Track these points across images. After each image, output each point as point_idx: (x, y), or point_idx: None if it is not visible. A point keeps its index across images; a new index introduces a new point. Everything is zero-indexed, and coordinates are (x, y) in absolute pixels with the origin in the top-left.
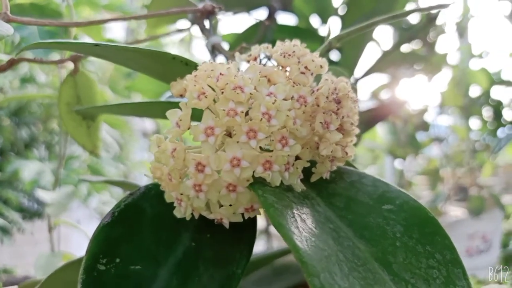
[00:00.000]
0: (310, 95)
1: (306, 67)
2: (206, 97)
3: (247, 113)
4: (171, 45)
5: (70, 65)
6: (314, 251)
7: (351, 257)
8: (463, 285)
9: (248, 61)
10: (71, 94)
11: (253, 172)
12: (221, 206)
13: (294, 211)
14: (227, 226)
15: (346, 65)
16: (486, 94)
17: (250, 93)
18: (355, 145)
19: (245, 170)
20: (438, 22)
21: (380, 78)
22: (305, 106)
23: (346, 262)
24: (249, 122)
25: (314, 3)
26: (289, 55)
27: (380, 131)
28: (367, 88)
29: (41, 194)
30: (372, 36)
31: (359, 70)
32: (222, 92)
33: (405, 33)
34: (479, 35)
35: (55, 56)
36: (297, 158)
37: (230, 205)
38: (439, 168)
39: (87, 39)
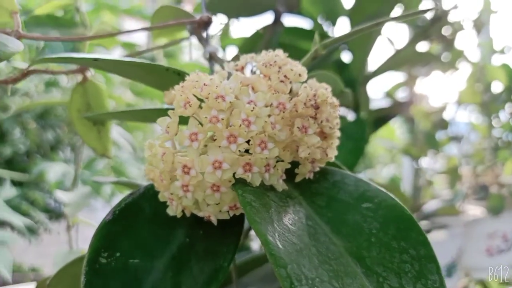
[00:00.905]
0: (288, 102)
1: (285, 76)
2: (190, 106)
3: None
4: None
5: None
6: (284, 245)
7: (325, 251)
8: (435, 279)
9: (237, 70)
10: (81, 101)
11: (235, 173)
12: (208, 204)
13: (272, 209)
14: (215, 223)
15: (356, 66)
16: (508, 90)
17: (230, 102)
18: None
19: (226, 172)
20: (455, 18)
21: (396, 77)
22: (284, 112)
23: (318, 256)
24: (229, 128)
25: (322, 5)
26: (271, 64)
27: (398, 130)
28: (382, 86)
29: (60, 194)
30: (378, 35)
31: (370, 69)
32: (206, 101)
33: (420, 31)
34: (500, 30)
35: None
36: (280, 160)
37: (217, 204)
38: (458, 166)
39: (100, 51)
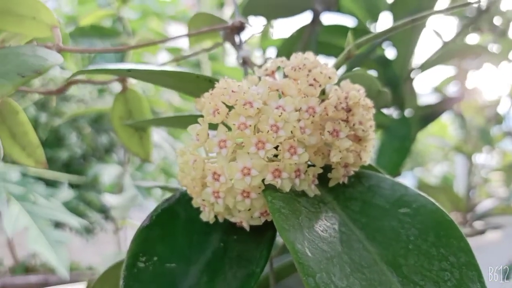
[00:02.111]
0: (318, 105)
1: (314, 79)
2: (219, 113)
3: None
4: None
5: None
6: (314, 253)
7: (358, 259)
8: (477, 287)
9: (267, 75)
10: (123, 109)
11: (264, 179)
12: (239, 211)
13: (302, 216)
14: (247, 228)
15: (399, 62)
16: None
17: (258, 108)
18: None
19: (255, 178)
20: (507, 7)
21: (446, 71)
22: (313, 116)
23: (350, 264)
24: (257, 134)
25: (362, 0)
26: (300, 68)
27: (450, 127)
28: (431, 81)
29: (108, 197)
30: (422, 29)
31: (417, 64)
32: (234, 107)
33: (469, 22)
34: None
35: None
36: (311, 165)
37: (248, 210)
38: None
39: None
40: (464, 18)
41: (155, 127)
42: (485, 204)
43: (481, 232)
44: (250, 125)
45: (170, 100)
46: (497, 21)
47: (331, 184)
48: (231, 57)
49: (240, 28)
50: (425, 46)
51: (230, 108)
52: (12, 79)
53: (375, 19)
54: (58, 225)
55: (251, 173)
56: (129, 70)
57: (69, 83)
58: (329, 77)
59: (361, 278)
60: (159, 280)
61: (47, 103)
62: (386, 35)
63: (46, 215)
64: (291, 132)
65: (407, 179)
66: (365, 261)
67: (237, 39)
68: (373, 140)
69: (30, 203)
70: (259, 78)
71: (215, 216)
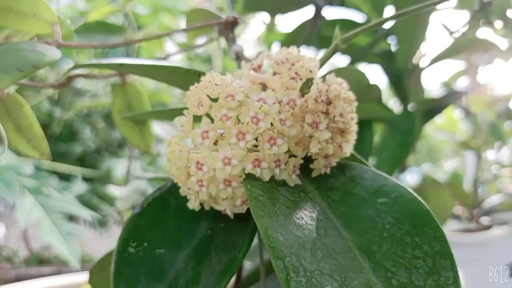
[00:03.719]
0: (299, 98)
1: (296, 73)
2: (203, 106)
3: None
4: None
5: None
6: (286, 238)
7: (331, 245)
8: (449, 276)
9: (254, 69)
10: (122, 103)
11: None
12: (223, 199)
13: (280, 203)
14: (231, 216)
15: (402, 56)
16: None
17: (239, 100)
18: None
19: (235, 167)
20: None
21: (456, 65)
22: (294, 108)
23: (323, 249)
24: (238, 125)
25: None
26: (283, 62)
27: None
28: (441, 75)
29: (112, 189)
30: (427, 23)
31: (425, 58)
32: (217, 100)
33: (480, 15)
34: None
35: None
36: (293, 155)
37: (231, 198)
38: None
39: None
40: (474, 11)
41: (157, 120)
42: (492, 200)
43: (487, 227)
44: (232, 117)
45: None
46: (510, 13)
47: (314, 174)
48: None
49: (233, 23)
50: (433, 39)
51: (215, 100)
52: (10, 73)
53: (380, 13)
54: (71, 218)
55: (232, 162)
56: (121, 65)
57: (70, 77)
58: (310, 71)
59: (332, 263)
60: (148, 264)
61: (62, 98)
62: (375, 29)
63: (59, 208)
64: (271, 124)
65: (416, 174)
66: (338, 247)
67: (230, 34)
68: (355, 132)
69: (43, 196)
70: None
71: (202, 205)
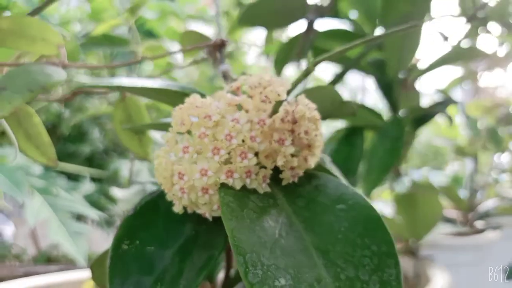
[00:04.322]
0: (268, 118)
1: (266, 96)
2: (184, 125)
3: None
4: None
5: None
6: (250, 238)
7: (291, 245)
8: (392, 272)
9: (232, 92)
10: (123, 115)
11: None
12: (202, 204)
13: (248, 209)
14: (210, 219)
15: (392, 66)
16: None
17: (215, 121)
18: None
19: (210, 177)
20: None
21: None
22: (263, 127)
23: (282, 248)
24: (214, 142)
25: (358, 6)
26: (256, 86)
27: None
28: (440, 81)
29: (115, 191)
30: (417, 35)
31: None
32: (197, 120)
33: (478, 22)
34: None
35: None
36: (263, 167)
37: (209, 203)
38: None
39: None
40: (469, 17)
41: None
42: (487, 204)
43: (480, 231)
44: (208, 135)
45: None
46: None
47: (284, 183)
48: (251, 56)
49: (221, 45)
50: (429, 46)
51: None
52: (22, 94)
53: (373, 24)
54: (79, 217)
55: (208, 173)
56: (118, 87)
57: (74, 92)
58: (279, 95)
59: (289, 260)
60: (140, 260)
61: (70, 101)
62: (345, 52)
63: (67, 208)
64: (243, 140)
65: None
66: (297, 247)
67: (218, 55)
68: (320, 147)
69: (52, 196)
70: (229, 92)
71: (186, 209)
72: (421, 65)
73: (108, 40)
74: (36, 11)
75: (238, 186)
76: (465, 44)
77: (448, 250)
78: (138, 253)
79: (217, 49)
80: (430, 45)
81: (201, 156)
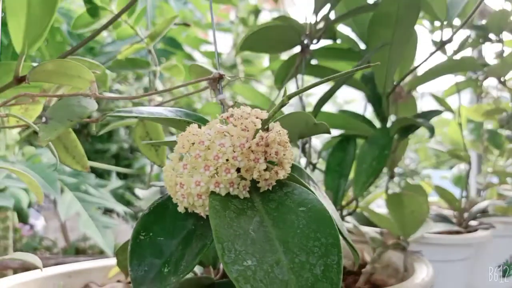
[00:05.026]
0: (247, 143)
1: (245, 126)
2: (183, 148)
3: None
4: None
5: None
6: (228, 231)
7: (259, 237)
8: (335, 258)
9: (226, 118)
10: (142, 131)
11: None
12: (198, 206)
13: (229, 210)
14: (204, 217)
15: (379, 81)
16: None
17: (206, 145)
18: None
19: (202, 187)
20: None
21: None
22: (243, 150)
23: (252, 239)
24: (205, 161)
25: (355, 27)
26: (238, 118)
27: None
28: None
29: (138, 191)
30: (402, 49)
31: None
32: (193, 144)
33: (480, 33)
34: None
35: None
36: (244, 178)
37: (203, 205)
38: None
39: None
40: (474, 27)
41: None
42: (482, 205)
43: (473, 230)
44: (201, 156)
45: None
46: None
47: (261, 190)
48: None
49: (219, 78)
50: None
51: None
52: (64, 123)
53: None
54: (106, 211)
55: (201, 184)
56: (136, 116)
57: (102, 116)
58: (255, 125)
59: (256, 247)
60: (152, 247)
61: (99, 102)
62: (312, 88)
63: (95, 203)
64: (227, 160)
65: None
66: (264, 238)
67: (217, 86)
68: (289, 163)
69: (81, 192)
70: (221, 120)
71: (187, 209)
72: (418, 76)
73: (131, 63)
74: (76, 48)
75: (223, 193)
76: (466, 53)
77: (440, 247)
78: (151, 242)
79: (216, 81)
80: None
81: (196, 171)
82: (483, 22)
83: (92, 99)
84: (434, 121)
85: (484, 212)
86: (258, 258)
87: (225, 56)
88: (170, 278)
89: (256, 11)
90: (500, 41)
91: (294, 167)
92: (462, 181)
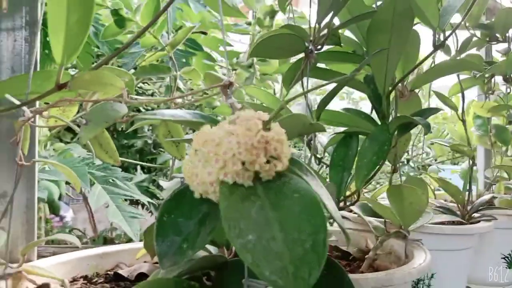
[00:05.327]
0: (250, 141)
1: (249, 127)
2: (199, 144)
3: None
4: None
5: None
6: (234, 213)
7: (260, 218)
8: (321, 236)
9: (230, 122)
10: (165, 130)
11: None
12: (210, 193)
13: (235, 195)
14: (216, 202)
15: (379, 82)
16: None
17: (217, 142)
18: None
19: (214, 177)
20: None
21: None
22: (246, 147)
23: (254, 219)
24: (216, 155)
25: (358, 31)
26: (243, 120)
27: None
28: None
29: (161, 182)
30: (400, 51)
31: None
32: (206, 142)
33: (486, 31)
34: None
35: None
36: (247, 169)
37: (214, 192)
38: None
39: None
40: (481, 26)
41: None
42: (485, 198)
43: (476, 222)
44: (212, 151)
45: None
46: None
47: (263, 180)
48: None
49: (229, 85)
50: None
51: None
52: (101, 125)
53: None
54: (132, 203)
55: (212, 174)
56: (160, 119)
57: (131, 116)
58: (257, 126)
59: (256, 226)
60: (173, 227)
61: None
62: (304, 94)
63: (122, 195)
64: (234, 154)
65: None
66: (264, 219)
67: (228, 91)
68: (287, 157)
69: (109, 184)
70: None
71: (201, 195)
72: (420, 75)
73: (154, 69)
74: (109, 58)
75: (230, 182)
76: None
77: (443, 236)
78: (172, 223)
79: (227, 88)
80: (431, 55)
81: (208, 164)
82: (493, 20)
83: (123, 104)
84: (445, 116)
85: (490, 205)
86: (258, 234)
87: (242, 55)
88: (188, 252)
89: (272, 12)
90: (506, 39)
91: (294, 161)
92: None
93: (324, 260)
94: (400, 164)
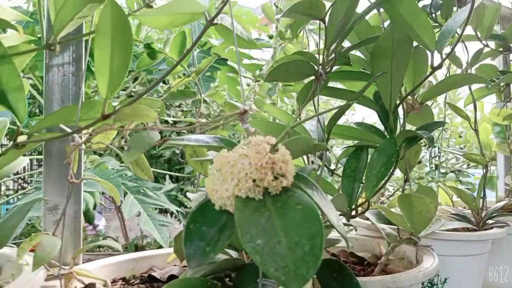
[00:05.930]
0: (259, 162)
1: (259, 150)
2: (217, 165)
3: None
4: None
5: None
6: (246, 221)
7: (267, 226)
8: (318, 241)
9: (244, 146)
10: (191, 151)
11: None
12: (228, 205)
13: (248, 207)
14: (233, 213)
15: (385, 98)
16: None
17: (232, 164)
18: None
19: (230, 192)
20: None
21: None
22: (256, 167)
23: (263, 227)
24: (231, 174)
25: (366, 52)
26: (253, 145)
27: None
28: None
29: (189, 194)
30: (405, 68)
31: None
32: (223, 163)
33: (499, 43)
34: None
35: None
36: (258, 186)
37: (232, 204)
38: None
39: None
40: (494, 37)
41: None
42: (498, 205)
43: (490, 228)
44: (228, 171)
45: None
46: None
47: (271, 194)
48: None
49: (245, 112)
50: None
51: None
52: (139, 150)
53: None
54: (161, 211)
55: (229, 190)
56: (186, 144)
57: (164, 140)
58: (265, 149)
59: (265, 232)
60: (198, 233)
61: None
62: (305, 121)
63: (152, 204)
64: (246, 173)
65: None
66: (271, 227)
67: (244, 117)
68: (292, 174)
69: (140, 194)
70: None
71: (221, 207)
72: (430, 88)
73: (181, 94)
74: (148, 90)
75: (244, 196)
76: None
77: (455, 243)
78: (198, 230)
79: (243, 114)
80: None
81: (225, 181)
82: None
83: (156, 131)
84: (464, 126)
85: (509, 211)
86: (266, 239)
87: (265, 67)
88: (210, 254)
89: (291, 26)
90: None
91: (300, 177)
92: (490, 182)
93: (320, 261)
94: (427, 171)
